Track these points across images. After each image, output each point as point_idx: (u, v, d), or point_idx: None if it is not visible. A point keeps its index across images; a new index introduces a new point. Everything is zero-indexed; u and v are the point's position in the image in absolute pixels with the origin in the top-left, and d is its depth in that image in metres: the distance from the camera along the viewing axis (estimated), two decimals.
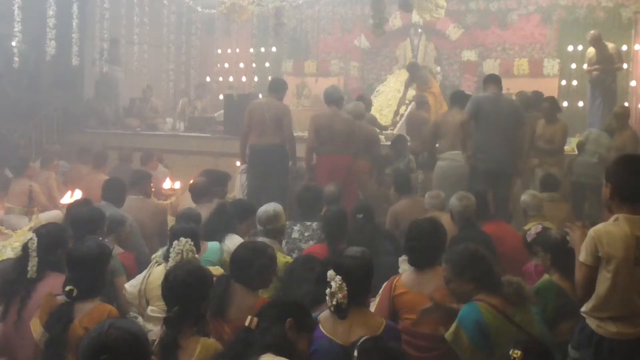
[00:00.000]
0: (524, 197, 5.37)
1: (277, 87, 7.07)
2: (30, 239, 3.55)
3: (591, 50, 9.33)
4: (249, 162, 6.97)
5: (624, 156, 3.10)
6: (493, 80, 6.45)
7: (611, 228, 2.84)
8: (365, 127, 7.45)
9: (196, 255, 3.67)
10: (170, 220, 5.89)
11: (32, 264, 3.46)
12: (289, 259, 4.19)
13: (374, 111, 10.15)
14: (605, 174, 2.96)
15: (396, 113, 10.65)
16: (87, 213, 4.37)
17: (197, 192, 5.62)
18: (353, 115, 7.20)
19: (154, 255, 4.56)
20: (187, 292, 2.84)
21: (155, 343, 2.71)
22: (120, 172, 7.31)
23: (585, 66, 9.60)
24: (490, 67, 11.65)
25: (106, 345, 2.08)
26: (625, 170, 2.89)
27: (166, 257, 3.77)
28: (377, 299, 3.59)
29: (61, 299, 3.15)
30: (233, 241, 4.45)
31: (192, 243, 3.64)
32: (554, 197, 6.06)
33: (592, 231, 2.86)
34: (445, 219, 4.76)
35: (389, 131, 9.47)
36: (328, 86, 7.45)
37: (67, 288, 3.10)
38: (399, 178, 6.32)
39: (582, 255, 2.87)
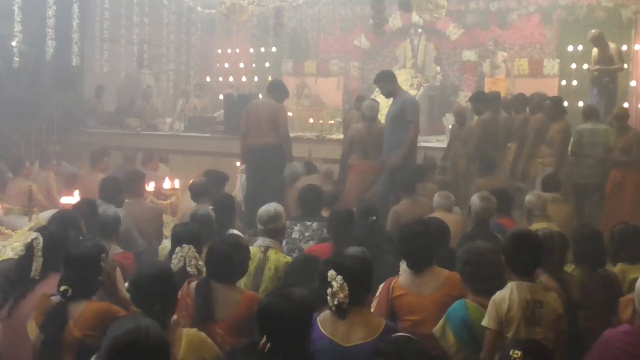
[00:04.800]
0: (529, 197, 5.26)
1: (276, 89, 7.09)
2: (35, 238, 3.42)
3: (595, 50, 9.32)
4: (247, 162, 7.01)
5: (514, 233, 3.38)
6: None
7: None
8: (380, 127, 7.39)
9: (200, 262, 3.65)
10: (170, 220, 5.88)
11: (37, 264, 3.37)
12: (289, 259, 4.17)
13: None
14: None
15: None
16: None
17: (197, 192, 5.61)
18: (368, 115, 7.16)
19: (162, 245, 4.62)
20: (155, 292, 2.79)
21: None
22: (122, 172, 7.22)
23: (585, 66, 9.57)
24: (491, 67, 11.64)
25: (136, 349, 2.02)
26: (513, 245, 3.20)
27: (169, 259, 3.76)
28: (376, 300, 3.58)
29: (56, 299, 3.11)
30: None
31: (195, 249, 3.63)
32: (556, 197, 6.00)
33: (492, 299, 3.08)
34: (451, 219, 4.77)
35: None
36: (371, 101, 7.66)
37: (62, 288, 3.06)
38: (404, 178, 6.26)
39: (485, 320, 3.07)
